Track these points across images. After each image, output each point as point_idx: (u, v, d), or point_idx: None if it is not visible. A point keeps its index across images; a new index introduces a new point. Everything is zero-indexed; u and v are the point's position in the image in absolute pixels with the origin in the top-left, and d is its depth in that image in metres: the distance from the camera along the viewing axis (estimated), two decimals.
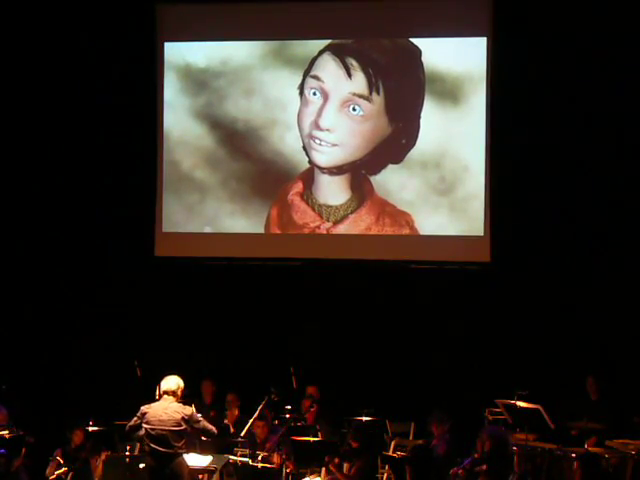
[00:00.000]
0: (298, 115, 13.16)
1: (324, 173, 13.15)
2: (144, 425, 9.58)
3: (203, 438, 10.27)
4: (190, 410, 9.68)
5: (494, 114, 12.54)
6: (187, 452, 9.82)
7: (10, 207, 13.42)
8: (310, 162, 13.15)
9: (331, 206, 13.11)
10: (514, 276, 12.39)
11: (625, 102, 12.10)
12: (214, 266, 13.14)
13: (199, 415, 9.82)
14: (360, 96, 12.94)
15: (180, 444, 9.56)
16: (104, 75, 13.27)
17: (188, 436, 9.72)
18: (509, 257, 12.41)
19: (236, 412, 11.91)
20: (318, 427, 11.39)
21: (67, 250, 13.33)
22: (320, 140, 13.09)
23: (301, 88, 13.16)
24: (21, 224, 13.38)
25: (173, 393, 9.64)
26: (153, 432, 9.53)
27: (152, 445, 9.53)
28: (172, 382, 9.68)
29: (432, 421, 11.12)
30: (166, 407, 9.59)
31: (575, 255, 12.22)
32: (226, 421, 11.90)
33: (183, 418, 9.54)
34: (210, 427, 9.81)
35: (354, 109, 12.98)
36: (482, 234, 12.64)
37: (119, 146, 13.26)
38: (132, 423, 9.71)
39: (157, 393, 10.44)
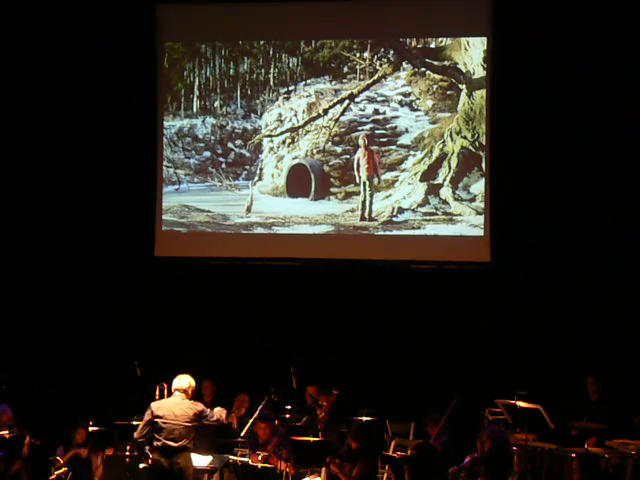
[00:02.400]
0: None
1: None
2: (156, 419, 9.66)
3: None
4: (201, 406, 9.85)
5: (494, 114, 12.54)
6: (192, 449, 9.90)
7: (10, 208, 13.41)
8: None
9: None
10: (514, 276, 12.38)
11: (625, 102, 12.10)
12: (214, 266, 13.14)
13: (207, 409, 9.95)
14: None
15: (189, 439, 9.69)
16: (104, 75, 13.26)
17: (196, 432, 9.82)
18: (509, 257, 12.40)
19: (242, 412, 11.90)
20: (320, 427, 11.36)
21: (67, 250, 13.32)
22: None
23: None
24: (21, 225, 13.37)
25: (184, 391, 9.77)
26: (165, 426, 9.62)
27: (163, 440, 9.61)
28: (184, 381, 9.80)
29: (427, 422, 11.13)
30: (179, 403, 9.72)
31: (575, 255, 12.21)
32: (230, 419, 11.91)
33: (195, 414, 9.69)
34: (219, 415, 9.95)
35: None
36: (482, 234, 12.64)
37: (119, 146, 13.25)
38: (144, 426, 9.73)
39: (157, 393, 10.48)
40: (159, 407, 9.72)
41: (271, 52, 13.31)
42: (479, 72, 12.72)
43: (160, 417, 9.64)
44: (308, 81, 13.20)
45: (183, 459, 9.63)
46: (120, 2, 13.28)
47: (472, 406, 11.24)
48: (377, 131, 13.02)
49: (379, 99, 12.98)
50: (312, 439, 10.64)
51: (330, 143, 13.13)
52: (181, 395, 9.75)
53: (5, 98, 13.36)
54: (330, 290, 12.85)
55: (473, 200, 12.74)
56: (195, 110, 13.47)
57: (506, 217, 12.46)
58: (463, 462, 10.07)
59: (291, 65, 13.25)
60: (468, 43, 12.78)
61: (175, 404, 9.72)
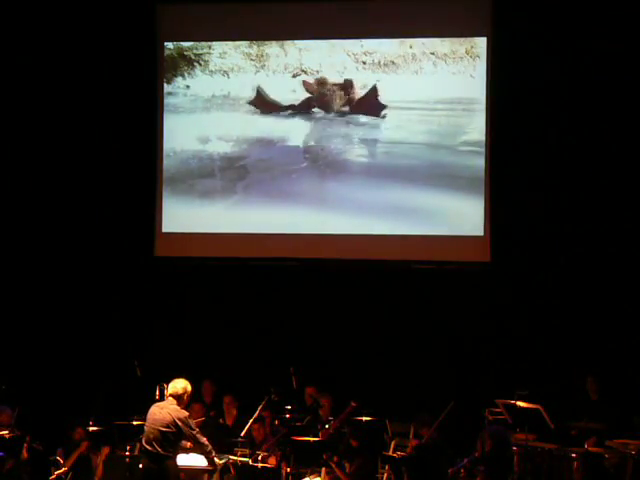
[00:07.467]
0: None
1: None
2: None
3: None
4: (184, 414, 9.52)
5: (494, 114, 12.54)
6: (174, 455, 9.62)
7: (9, 208, 13.41)
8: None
9: None
10: (514, 276, 12.38)
11: (626, 101, 12.10)
12: (214, 266, 13.14)
13: (194, 425, 9.62)
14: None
15: (166, 445, 9.40)
16: (104, 75, 13.27)
17: (178, 440, 9.57)
18: (509, 257, 12.40)
19: (234, 412, 11.90)
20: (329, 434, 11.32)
21: (67, 250, 13.32)
22: None
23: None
24: (21, 224, 13.37)
25: (178, 397, 9.54)
26: (145, 429, 9.52)
27: (143, 443, 9.50)
28: (179, 385, 9.57)
29: (417, 424, 11.09)
30: (163, 407, 9.54)
31: (575, 255, 12.22)
32: (222, 421, 11.91)
33: (174, 421, 9.40)
34: (203, 440, 9.62)
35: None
36: (482, 234, 12.64)
37: (119, 146, 13.25)
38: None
39: (157, 393, 10.46)
40: (150, 410, 9.58)
41: None
42: (479, 72, 12.68)
43: (146, 421, 9.56)
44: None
45: (163, 468, 9.32)
46: (120, 2, 13.28)
47: (472, 406, 11.25)
48: None
49: None
50: (312, 439, 10.65)
51: None
52: (171, 400, 9.53)
53: (5, 99, 13.36)
54: (330, 290, 12.85)
55: (473, 200, 12.70)
56: (195, 110, 13.46)
57: (506, 217, 12.47)
58: (463, 462, 10.07)
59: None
60: (468, 43, 12.76)
61: (160, 407, 9.53)
